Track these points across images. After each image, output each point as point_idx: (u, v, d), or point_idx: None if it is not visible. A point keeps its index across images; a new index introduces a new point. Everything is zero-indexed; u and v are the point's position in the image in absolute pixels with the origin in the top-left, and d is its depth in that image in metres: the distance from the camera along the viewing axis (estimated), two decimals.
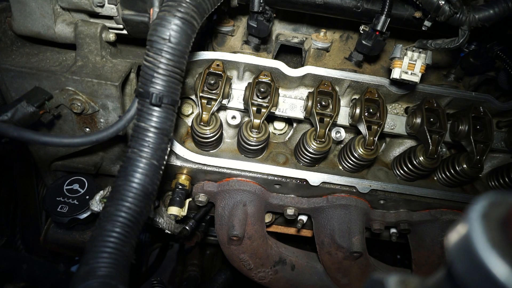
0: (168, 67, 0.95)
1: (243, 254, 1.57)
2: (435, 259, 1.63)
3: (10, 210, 2.04)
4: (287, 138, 1.72)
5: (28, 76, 1.33)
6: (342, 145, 1.66)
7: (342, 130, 1.58)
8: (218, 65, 1.42)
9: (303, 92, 1.56)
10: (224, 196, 1.53)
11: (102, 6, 1.31)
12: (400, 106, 1.62)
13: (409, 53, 1.32)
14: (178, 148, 1.43)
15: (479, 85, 1.86)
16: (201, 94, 1.37)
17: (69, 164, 1.70)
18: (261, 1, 1.37)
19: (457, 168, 1.55)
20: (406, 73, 1.32)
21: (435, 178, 1.68)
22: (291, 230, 1.96)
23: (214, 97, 1.38)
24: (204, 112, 1.38)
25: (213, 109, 1.38)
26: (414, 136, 1.56)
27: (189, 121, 1.66)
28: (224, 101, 1.46)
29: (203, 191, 1.56)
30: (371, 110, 1.43)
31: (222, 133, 1.55)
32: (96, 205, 1.41)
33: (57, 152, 1.62)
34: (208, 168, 1.47)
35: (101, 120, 1.47)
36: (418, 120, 1.48)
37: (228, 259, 1.64)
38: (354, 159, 1.51)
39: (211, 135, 1.44)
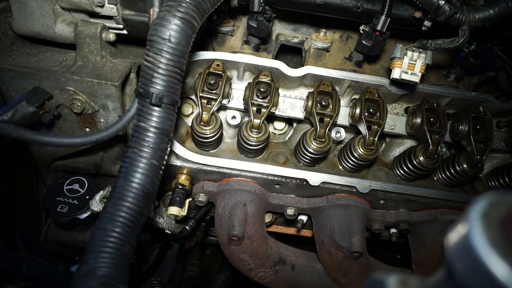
0: (168, 67, 0.95)
1: (243, 254, 1.57)
2: (435, 259, 1.63)
3: (10, 210, 2.04)
4: (287, 138, 1.72)
5: (28, 76, 1.33)
6: (342, 145, 1.66)
7: (342, 130, 1.58)
8: (218, 65, 1.42)
9: (303, 92, 1.56)
10: (224, 196, 1.53)
11: (102, 6, 1.31)
12: (400, 106, 1.62)
13: (409, 53, 1.32)
14: (178, 148, 1.43)
15: (479, 85, 1.86)
16: (201, 94, 1.37)
17: (69, 164, 1.70)
18: (261, 1, 1.37)
19: (457, 168, 1.55)
20: (406, 73, 1.32)
21: (435, 178, 1.68)
22: (291, 230, 1.96)
23: (214, 97, 1.38)
24: (204, 112, 1.38)
25: (213, 109, 1.38)
26: (414, 136, 1.56)
27: (189, 121, 1.66)
28: (224, 101, 1.46)
29: (203, 191, 1.56)
30: (371, 110, 1.43)
31: (222, 133, 1.55)
32: (96, 205, 1.41)
33: (57, 152, 1.62)
34: (208, 168, 1.47)
35: (101, 120, 1.47)
36: (418, 120, 1.48)
37: (228, 259, 1.64)
38: (354, 159, 1.51)
39: (211, 135, 1.44)
